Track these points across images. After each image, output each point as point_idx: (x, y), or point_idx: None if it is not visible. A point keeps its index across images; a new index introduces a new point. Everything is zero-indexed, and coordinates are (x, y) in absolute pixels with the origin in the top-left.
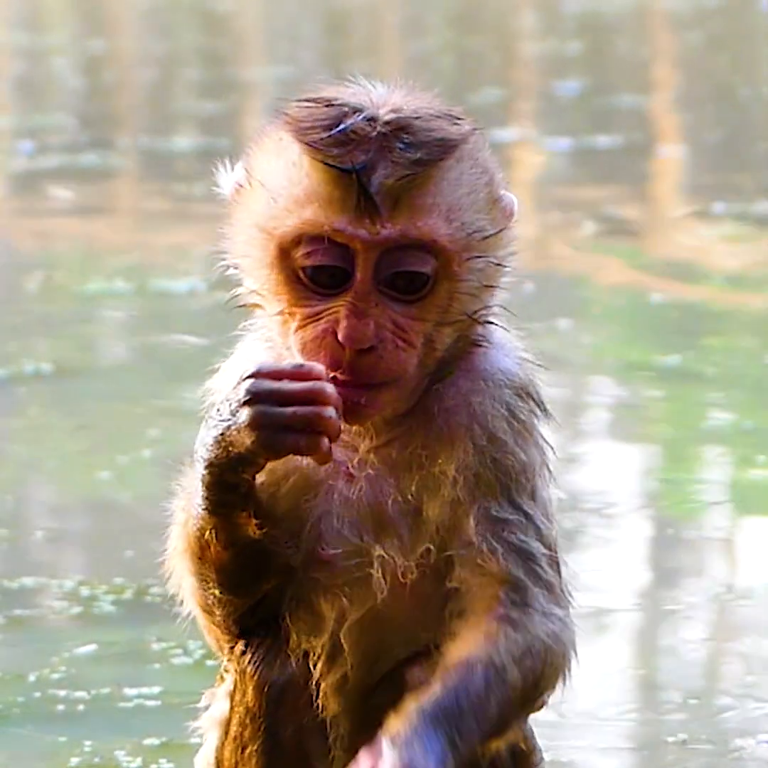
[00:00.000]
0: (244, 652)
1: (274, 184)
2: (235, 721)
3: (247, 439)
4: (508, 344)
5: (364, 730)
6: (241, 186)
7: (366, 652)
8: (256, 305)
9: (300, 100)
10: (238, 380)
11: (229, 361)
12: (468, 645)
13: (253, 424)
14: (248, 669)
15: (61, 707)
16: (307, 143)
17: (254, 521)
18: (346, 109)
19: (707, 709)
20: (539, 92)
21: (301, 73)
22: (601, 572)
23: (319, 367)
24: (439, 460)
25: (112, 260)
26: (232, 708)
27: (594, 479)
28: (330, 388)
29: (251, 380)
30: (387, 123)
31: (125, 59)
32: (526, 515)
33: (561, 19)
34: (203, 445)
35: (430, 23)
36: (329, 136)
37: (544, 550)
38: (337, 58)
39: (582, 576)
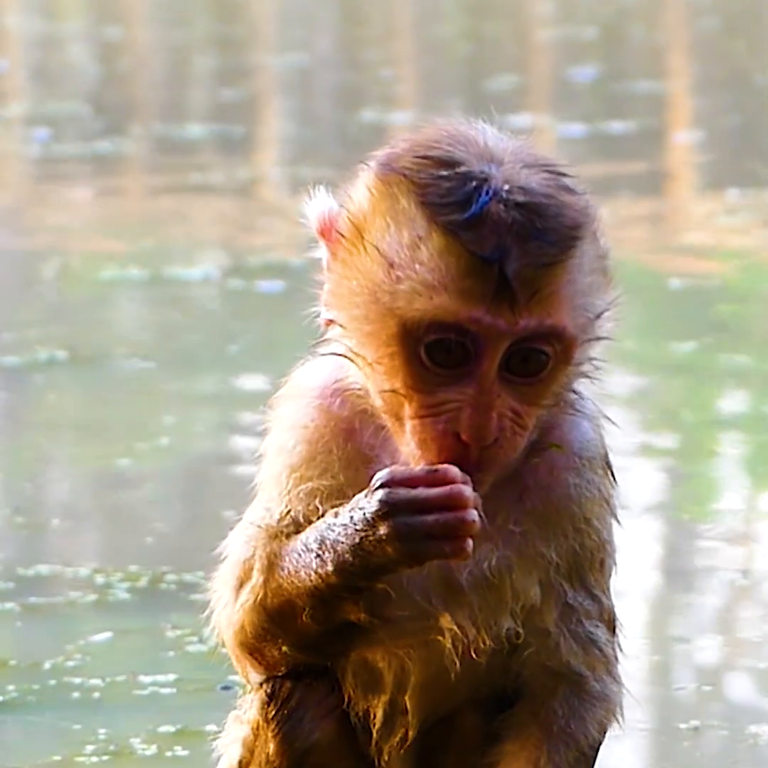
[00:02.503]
0: (268, 703)
1: (397, 259)
2: (257, 760)
3: (390, 551)
4: (591, 407)
5: None
6: (343, 237)
7: (427, 710)
8: (350, 359)
9: (412, 156)
10: (370, 487)
11: (291, 395)
12: None
13: (396, 535)
14: (272, 725)
15: (76, 695)
16: (443, 225)
17: (364, 615)
18: (473, 181)
19: (721, 696)
20: (555, 78)
21: (316, 59)
22: (617, 557)
23: (454, 470)
24: (536, 541)
25: (126, 248)
26: (254, 745)
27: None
28: (468, 491)
29: (385, 490)
30: (518, 205)
31: (140, 47)
32: (593, 596)
33: (576, 5)
34: (333, 549)
35: (445, 9)
36: (465, 219)
37: (607, 635)
38: (353, 45)
39: None
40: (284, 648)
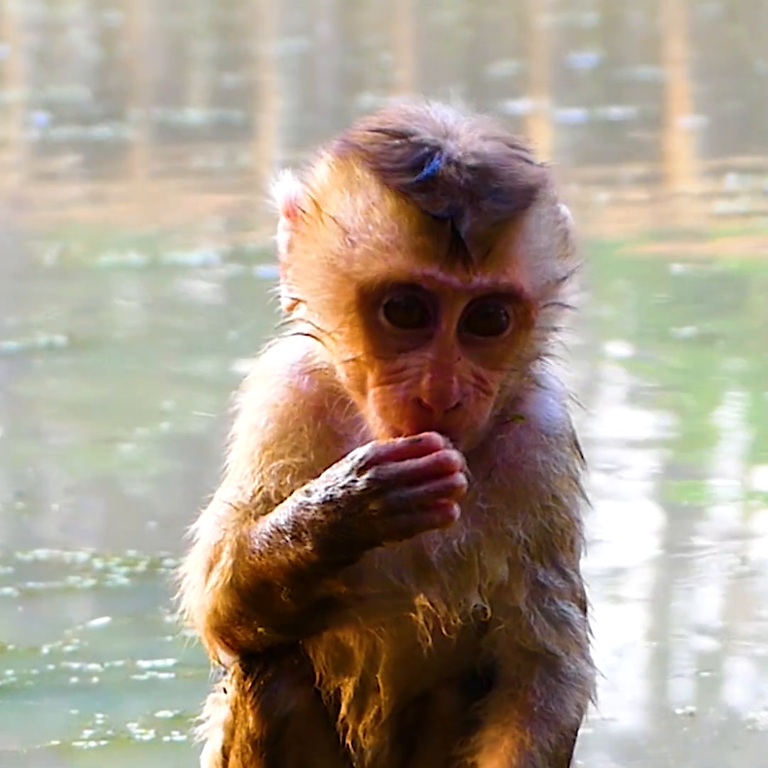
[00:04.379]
0: (245, 677)
1: (352, 225)
2: (237, 738)
3: (380, 527)
4: (557, 385)
5: (391, 749)
6: (304, 213)
7: (400, 688)
8: (315, 338)
9: (367, 130)
10: (352, 466)
11: (261, 376)
12: (503, 762)
13: (388, 511)
14: (249, 698)
15: (74, 679)
16: (395, 187)
17: (344, 588)
18: (425, 147)
19: (719, 682)
20: (555, 64)
21: (317, 45)
22: (616, 543)
23: (436, 436)
24: (504, 518)
25: (126, 233)
26: (234, 724)
27: (611, 448)
28: (454, 455)
29: (374, 467)
30: (471, 169)
31: (140, 31)
32: (565, 575)
33: None
34: (311, 528)
35: None
36: (417, 181)
37: (579, 614)
38: (353, 30)
39: (598, 545)
40: (260, 629)
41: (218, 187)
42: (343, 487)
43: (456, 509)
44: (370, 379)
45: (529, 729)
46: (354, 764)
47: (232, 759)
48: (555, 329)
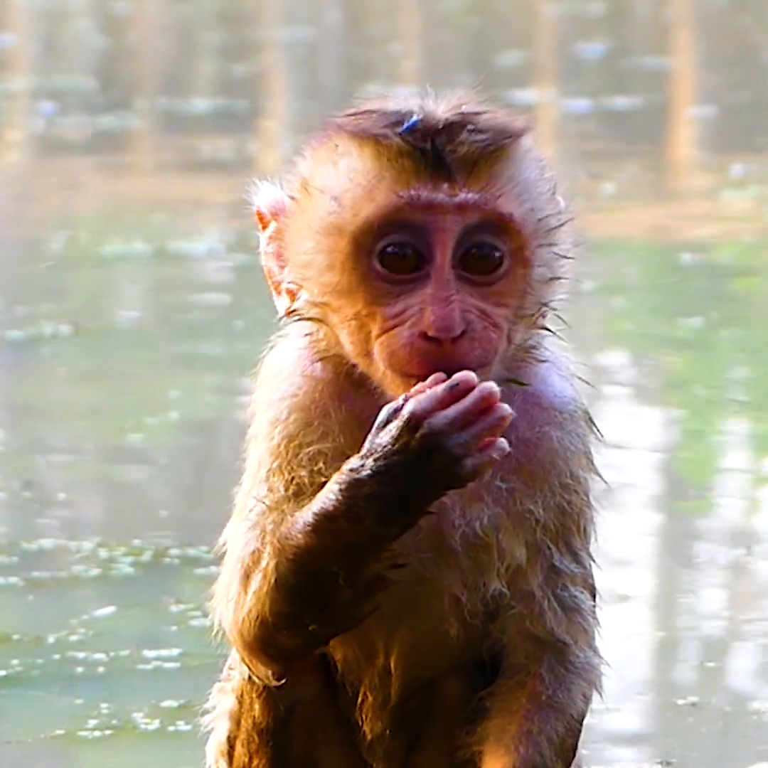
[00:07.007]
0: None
1: (338, 185)
2: (243, 727)
3: (447, 479)
4: (562, 360)
5: (396, 736)
6: (293, 199)
7: (411, 674)
8: (317, 320)
9: (344, 116)
10: (398, 428)
11: (271, 374)
12: (510, 750)
13: (451, 460)
14: (255, 687)
15: (79, 669)
16: (374, 137)
17: (400, 557)
18: (404, 111)
19: (723, 671)
20: (562, 54)
21: (323, 34)
22: (620, 535)
23: (470, 374)
24: (523, 498)
25: (131, 222)
26: (240, 713)
27: (615, 440)
28: (494, 386)
29: (425, 422)
30: (452, 116)
31: (146, 21)
32: (578, 560)
33: None
34: (368, 504)
35: None
36: (397, 132)
37: (589, 601)
38: (360, 20)
39: (602, 538)
40: (311, 627)
41: (224, 177)
42: (396, 453)
43: (504, 441)
44: (374, 330)
45: (537, 718)
46: (361, 753)
47: (238, 748)
48: (556, 278)
